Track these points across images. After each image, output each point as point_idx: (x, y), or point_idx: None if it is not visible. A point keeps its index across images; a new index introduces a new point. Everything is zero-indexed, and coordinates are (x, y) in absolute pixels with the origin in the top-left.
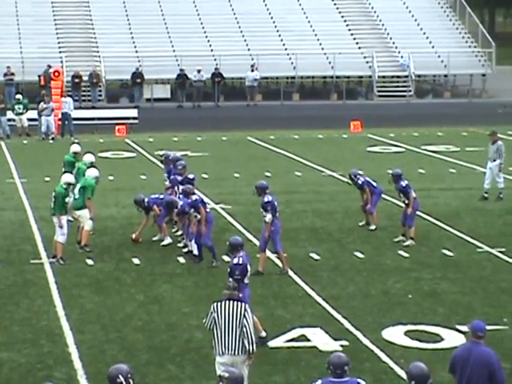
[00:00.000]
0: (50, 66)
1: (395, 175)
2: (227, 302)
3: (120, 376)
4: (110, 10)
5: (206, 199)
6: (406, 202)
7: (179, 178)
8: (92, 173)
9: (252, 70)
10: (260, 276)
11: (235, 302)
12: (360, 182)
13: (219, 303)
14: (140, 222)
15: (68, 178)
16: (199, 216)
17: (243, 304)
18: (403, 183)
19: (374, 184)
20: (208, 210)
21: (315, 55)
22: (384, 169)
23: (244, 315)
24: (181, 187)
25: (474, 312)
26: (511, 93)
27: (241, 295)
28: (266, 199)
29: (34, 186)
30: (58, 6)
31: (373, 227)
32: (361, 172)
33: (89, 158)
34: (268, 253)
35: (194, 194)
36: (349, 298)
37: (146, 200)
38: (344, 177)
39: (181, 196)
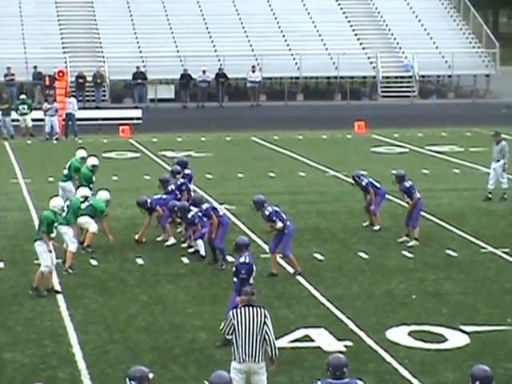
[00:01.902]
0: (36, 67)
1: (399, 176)
2: (247, 308)
3: (150, 374)
4: (113, 11)
5: (210, 199)
6: (410, 202)
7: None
8: (103, 195)
9: (253, 71)
10: (265, 276)
11: (255, 309)
12: (364, 183)
13: (238, 310)
14: (143, 223)
15: (85, 191)
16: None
17: (263, 310)
18: (407, 184)
19: (378, 185)
20: (221, 213)
21: (319, 55)
22: (388, 169)
23: (265, 322)
24: (193, 195)
25: (478, 312)
26: None
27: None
28: (266, 212)
29: (38, 186)
30: (61, 6)
31: (377, 228)
32: (364, 173)
33: (92, 161)
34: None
35: (204, 202)
36: (353, 298)
37: (149, 201)
38: (348, 177)
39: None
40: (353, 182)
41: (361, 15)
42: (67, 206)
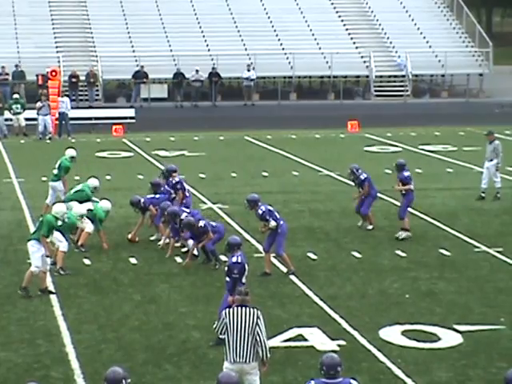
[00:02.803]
0: (17, 66)
1: (399, 165)
2: (239, 308)
3: (124, 381)
4: (107, 10)
5: (203, 199)
6: (404, 192)
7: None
8: (105, 205)
9: (248, 70)
10: (258, 276)
11: (248, 309)
12: (362, 177)
13: (231, 309)
14: (136, 222)
15: (82, 209)
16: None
17: (256, 310)
18: (405, 173)
19: (366, 184)
20: (214, 224)
21: (312, 55)
22: (381, 168)
23: (257, 323)
24: (183, 216)
25: (472, 312)
26: (508, 92)
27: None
28: (259, 211)
29: (31, 185)
30: (55, 5)
31: (370, 227)
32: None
33: (93, 182)
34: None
35: (195, 225)
36: (346, 297)
37: (142, 200)
38: (341, 176)
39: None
40: (350, 175)
41: (354, 14)
42: (63, 221)
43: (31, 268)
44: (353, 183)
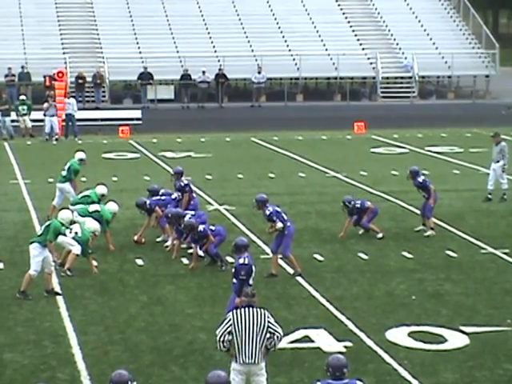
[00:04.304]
0: (23, 67)
1: (412, 172)
2: (247, 309)
3: (129, 383)
4: (113, 11)
5: (209, 200)
6: (426, 195)
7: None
8: (112, 207)
9: (259, 72)
10: (264, 277)
11: (255, 310)
12: (358, 204)
13: (238, 311)
14: (143, 224)
15: (95, 224)
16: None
17: (263, 311)
18: (420, 179)
19: (367, 204)
20: (213, 228)
21: (319, 56)
22: (388, 170)
23: (268, 321)
24: (185, 219)
25: (478, 313)
26: None
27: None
28: (267, 212)
29: (38, 186)
30: (61, 6)
31: (380, 235)
32: (350, 197)
33: (101, 189)
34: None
35: (196, 228)
36: (352, 299)
37: (148, 202)
38: (348, 178)
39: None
40: (344, 208)
41: (360, 16)
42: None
43: (30, 271)
44: (348, 214)
